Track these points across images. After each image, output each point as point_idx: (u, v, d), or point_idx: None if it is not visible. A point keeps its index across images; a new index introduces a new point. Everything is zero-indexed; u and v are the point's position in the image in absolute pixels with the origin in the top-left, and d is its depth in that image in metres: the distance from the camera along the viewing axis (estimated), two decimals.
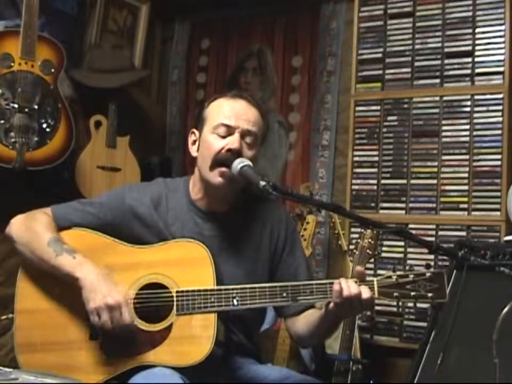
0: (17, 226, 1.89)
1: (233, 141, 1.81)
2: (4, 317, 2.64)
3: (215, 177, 1.83)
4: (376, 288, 1.72)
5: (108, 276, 1.76)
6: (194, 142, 1.94)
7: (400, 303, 1.73)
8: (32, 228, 1.86)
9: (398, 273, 1.73)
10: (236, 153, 1.80)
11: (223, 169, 1.81)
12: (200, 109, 1.96)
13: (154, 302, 1.78)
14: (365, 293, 1.67)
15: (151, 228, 1.89)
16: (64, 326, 1.82)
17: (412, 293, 1.71)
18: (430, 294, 1.70)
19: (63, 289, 1.82)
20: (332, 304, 1.71)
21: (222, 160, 1.81)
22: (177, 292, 1.77)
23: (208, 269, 1.77)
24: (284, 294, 1.74)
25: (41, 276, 1.84)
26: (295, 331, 1.92)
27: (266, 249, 1.93)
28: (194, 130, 1.95)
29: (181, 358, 1.72)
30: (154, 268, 1.81)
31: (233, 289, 1.75)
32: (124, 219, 1.90)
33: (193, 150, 1.94)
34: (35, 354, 1.82)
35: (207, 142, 1.85)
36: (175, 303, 1.76)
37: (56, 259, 1.78)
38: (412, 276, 1.72)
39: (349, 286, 1.67)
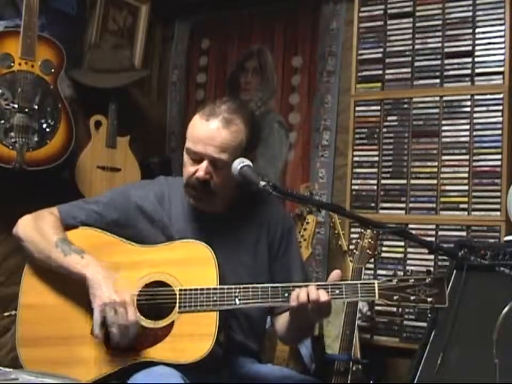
0: (25, 226, 1.91)
1: (200, 169, 1.81)
2: (7, 313, 2.64)
3: (188, 199, 1.89)
4: (376, 291, 1.73)
5: (115, 279, 1.78)
6: None
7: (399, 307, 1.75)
8: (39, 229, 1.88)
9: (399, 277, 1.74)
10: (203, 182, 1.82)
11: (193, 192, 1.86)
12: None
13: (157, 299, 1.80)
14: (323, 296, 1.68)
15: (157, 223, 1.91)
16: (67, 320, 1.83)
17: (412, 297, 1.72)
18: (429, 299, 1.71)
19: (68, 285, 1.83)
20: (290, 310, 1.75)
21: (191, 185, 1.85)
22: (180, 290, 1.78)
23: (212, 269, 1.78)
24: (286, 294, 1.74)
25: (47, 271, 1.86)
26: (277, 329, 1.95)
27: (265, 247, 1.94)
28: None
29: (181, 355, 1.72)
30: (158, 266, 1.82)
31: (235, 288, 1.76)
32: (130, 216, 1.92)
33: None
34: (37, 348, 1.83)
35: (184, 160, 1.88)
36: (177, 301, 1.77)
37: (64, 258, 1.80)
38: (412, 280, 1.73)
39: (306, 293, 1.68)
